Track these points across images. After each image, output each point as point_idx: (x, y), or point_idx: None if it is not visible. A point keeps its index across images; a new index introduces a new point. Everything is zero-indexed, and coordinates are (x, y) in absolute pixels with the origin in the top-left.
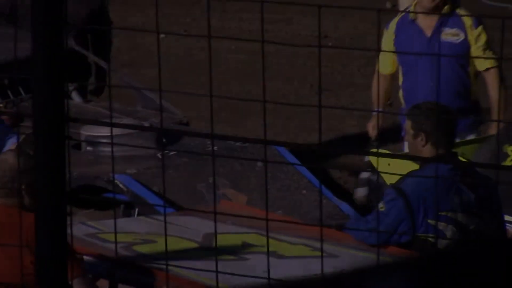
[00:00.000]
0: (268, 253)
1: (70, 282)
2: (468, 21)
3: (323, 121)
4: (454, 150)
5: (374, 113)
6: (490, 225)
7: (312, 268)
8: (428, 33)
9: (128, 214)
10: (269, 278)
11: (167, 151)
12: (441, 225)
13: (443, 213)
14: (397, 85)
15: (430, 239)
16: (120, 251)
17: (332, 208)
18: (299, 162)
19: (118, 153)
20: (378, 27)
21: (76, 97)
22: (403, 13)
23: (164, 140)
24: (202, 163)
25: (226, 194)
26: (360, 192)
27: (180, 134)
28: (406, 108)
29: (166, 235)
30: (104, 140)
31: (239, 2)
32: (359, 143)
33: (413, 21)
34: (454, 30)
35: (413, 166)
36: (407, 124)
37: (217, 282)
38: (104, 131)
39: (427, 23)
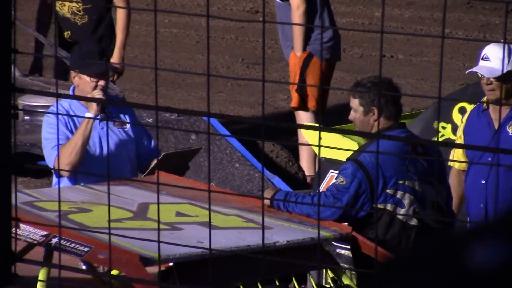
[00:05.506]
0: (209, 224)
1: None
2: None
3: (253, 95)
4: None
5: None
6: (442, 192)
7: (246, 238)
8: (495, 124)
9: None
10: (210, 248)
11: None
12: (399, 194)
13: (401, 182)
14: None
15: (388, 208)
16: (56, 220)
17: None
18: (231, 135)
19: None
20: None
21: (16, 72)
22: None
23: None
24: None
25: None
26: None
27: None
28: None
29: (109, 205)
30: (42, 110)
31: None
32: (291, 117)
33: (484, 110)
34: None
35: (348, 142)
36: (354, 102)
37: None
38: (42, 101)
39: (496, 115)
